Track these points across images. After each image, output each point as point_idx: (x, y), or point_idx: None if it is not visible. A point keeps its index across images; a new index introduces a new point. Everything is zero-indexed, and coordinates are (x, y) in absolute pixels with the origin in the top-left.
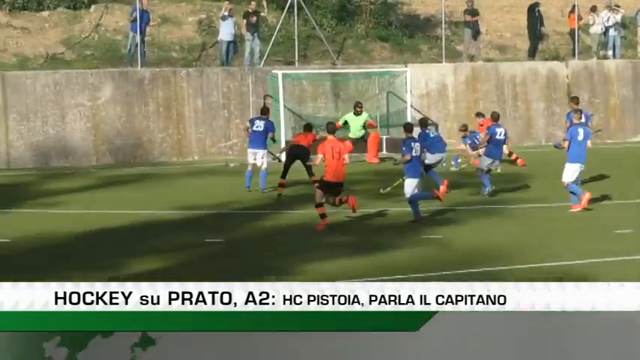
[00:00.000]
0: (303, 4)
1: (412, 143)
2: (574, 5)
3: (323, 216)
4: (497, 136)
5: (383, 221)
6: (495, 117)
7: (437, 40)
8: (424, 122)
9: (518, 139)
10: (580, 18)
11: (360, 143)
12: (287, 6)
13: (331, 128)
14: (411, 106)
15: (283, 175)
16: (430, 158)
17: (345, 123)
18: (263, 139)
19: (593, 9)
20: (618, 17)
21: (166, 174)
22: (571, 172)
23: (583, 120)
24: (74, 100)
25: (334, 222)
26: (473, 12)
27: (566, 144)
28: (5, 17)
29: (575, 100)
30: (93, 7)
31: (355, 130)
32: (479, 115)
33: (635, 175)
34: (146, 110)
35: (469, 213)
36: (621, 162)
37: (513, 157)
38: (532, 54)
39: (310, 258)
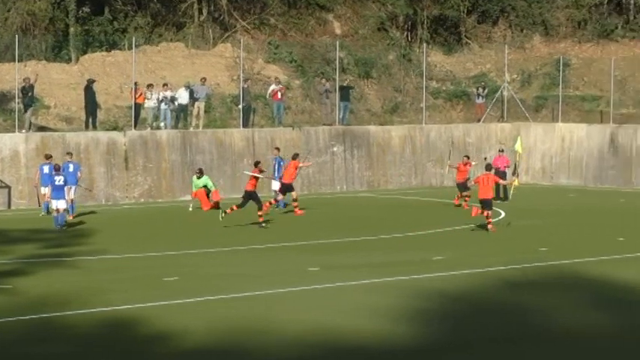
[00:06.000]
0: None
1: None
2: (134, 82)
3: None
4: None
5: None
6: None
7: (11, 113)
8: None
9: (82, 200)
10: (139, 95)
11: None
12: None
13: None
14: None
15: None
16: None
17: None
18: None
19: (149, 86)
20: (168, 93)
21: None
22: None
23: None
24: None
25: None
26: (27, 90)
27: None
28: None
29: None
30: None
31: (196, 188)
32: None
33: (181, 229)
34: None
35: (38, 265)
36: (172, 219)
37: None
38: (93, 125)
39: None
